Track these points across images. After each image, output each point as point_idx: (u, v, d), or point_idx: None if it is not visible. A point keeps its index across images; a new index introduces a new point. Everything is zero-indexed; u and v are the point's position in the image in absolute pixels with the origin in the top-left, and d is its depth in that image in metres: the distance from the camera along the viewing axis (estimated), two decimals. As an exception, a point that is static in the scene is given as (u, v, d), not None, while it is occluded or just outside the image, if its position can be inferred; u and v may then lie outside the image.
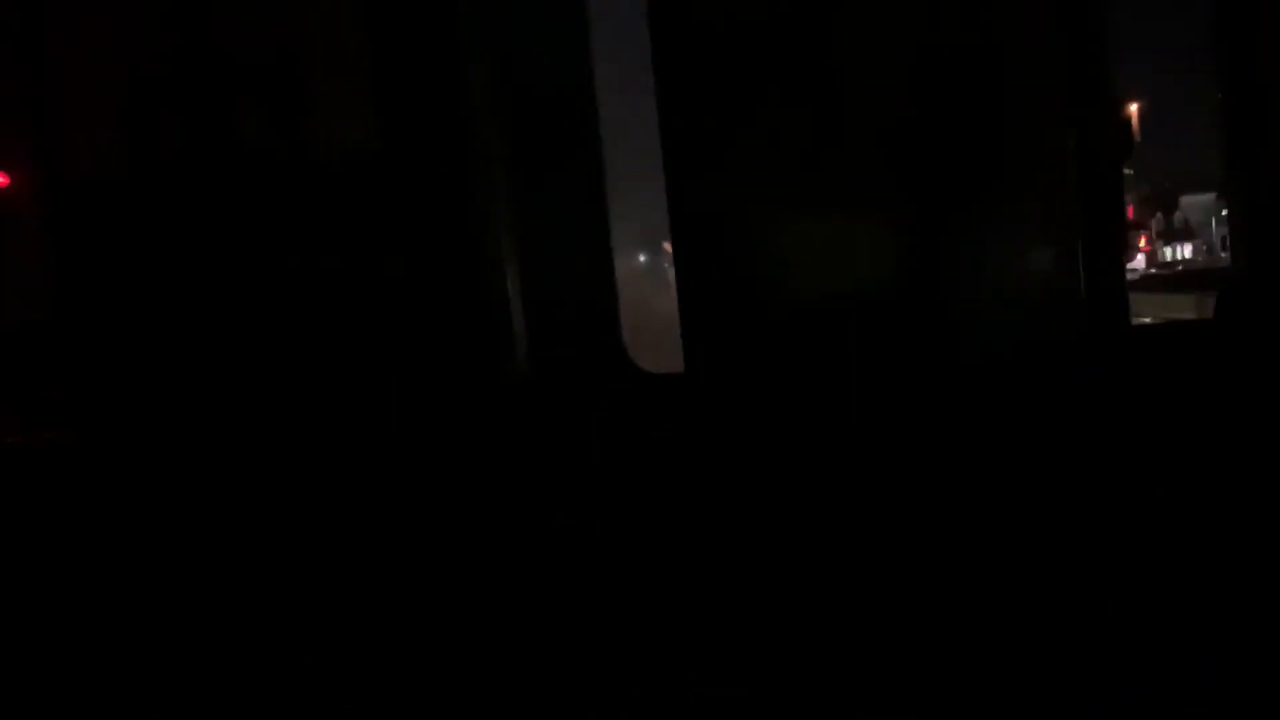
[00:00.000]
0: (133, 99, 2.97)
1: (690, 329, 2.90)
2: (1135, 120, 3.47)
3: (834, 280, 2.82)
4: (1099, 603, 2.68)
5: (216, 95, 2.96)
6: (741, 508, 2.84)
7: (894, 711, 2.69)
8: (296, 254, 2.94)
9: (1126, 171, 3.33)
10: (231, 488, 2.95)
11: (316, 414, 2.96)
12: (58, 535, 2.99)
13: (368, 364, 2.96)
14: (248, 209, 2.95)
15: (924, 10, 2.76)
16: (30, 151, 3.01)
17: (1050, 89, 2.77)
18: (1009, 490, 2.74)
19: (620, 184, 3.14)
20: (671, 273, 2.97)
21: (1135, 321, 2.96)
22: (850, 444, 2.80)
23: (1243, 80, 2.79)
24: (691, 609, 2.81)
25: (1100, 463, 2.73)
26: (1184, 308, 13.39)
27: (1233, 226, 2.95)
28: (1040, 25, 2.76)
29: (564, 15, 2.97)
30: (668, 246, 2.98)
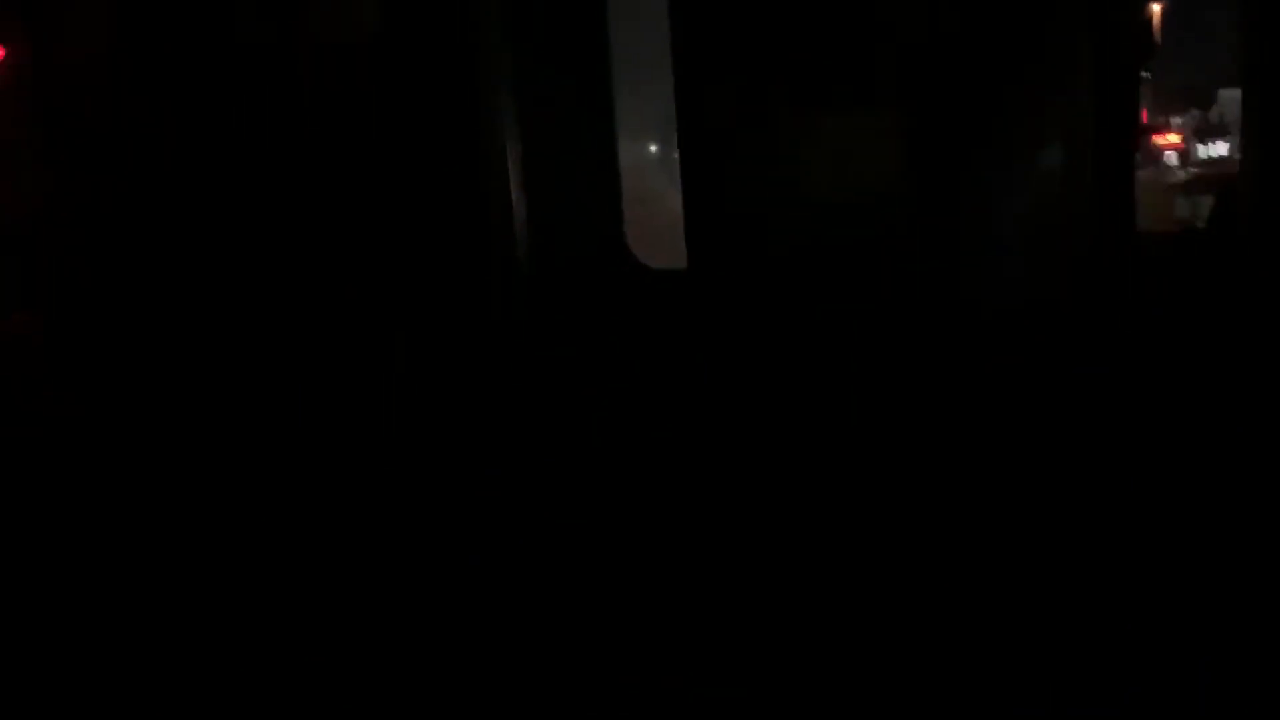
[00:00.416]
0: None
1: (694, 226, 2.91)
2: (1157, 20, 3.38)
3: (838, 185, 2.81)
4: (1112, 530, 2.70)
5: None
6: (740, 406, 2.87)
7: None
8: (293, 149, 2.92)
9: (1144, 75, 3.27)
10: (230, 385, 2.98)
11: (315, 318, 2.97)
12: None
13: (366, 263, 2.96)
14: (243, 101, 2.91)
15: None
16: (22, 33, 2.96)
17: None
18: (1018, 394, 2.75)
19: (635, 71, 3.09)
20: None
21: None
22: (851, 349, 2.82)
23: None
24: (693, 511, 2.84)
25: (1107, 374, 2.73)
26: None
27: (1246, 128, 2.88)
28: None
29: None
30: None
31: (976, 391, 2.76)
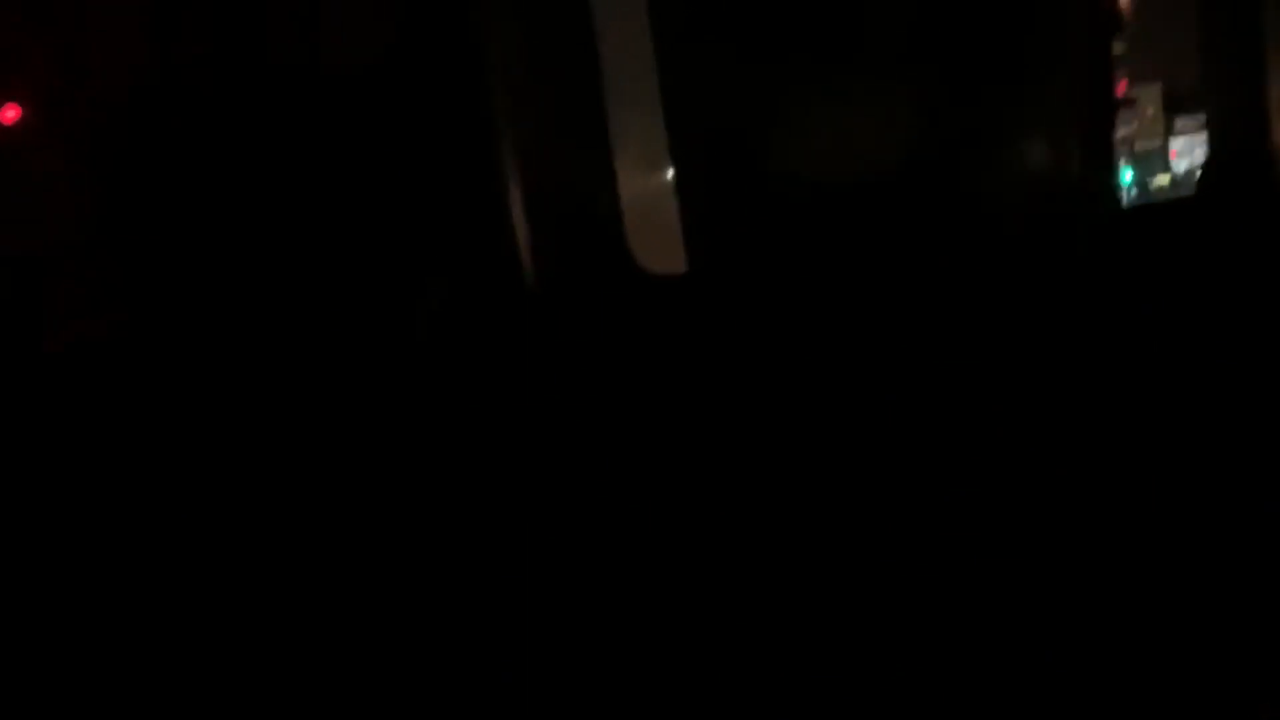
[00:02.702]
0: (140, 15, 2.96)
1: (691, 223, 2.95)
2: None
3: (828, 173, 2.86)
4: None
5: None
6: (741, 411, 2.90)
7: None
8: (304, 165, 2.96)
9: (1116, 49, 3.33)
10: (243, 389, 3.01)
11: (322, 329, 3.01)
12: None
13: (376, 273, 3.00)
14: (257, 123, 2.95)
15: None
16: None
17: None
18: (1006, 374, 2.79)
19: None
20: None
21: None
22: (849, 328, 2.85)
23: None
24: (698, 511, 2.86)
25: (1091, 345, 2.78)
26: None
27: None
28: None
29: None
30: None
31: (971, 379, 2.80)
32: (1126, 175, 4.25)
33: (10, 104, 2.99)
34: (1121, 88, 3.64)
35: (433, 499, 2.91)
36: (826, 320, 2.86)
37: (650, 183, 3.13)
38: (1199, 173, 2.96)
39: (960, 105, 2.81)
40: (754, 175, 2.91)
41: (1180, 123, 3.70)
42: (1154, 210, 3.65)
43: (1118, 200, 2.97)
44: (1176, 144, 3.91)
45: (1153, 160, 4.11)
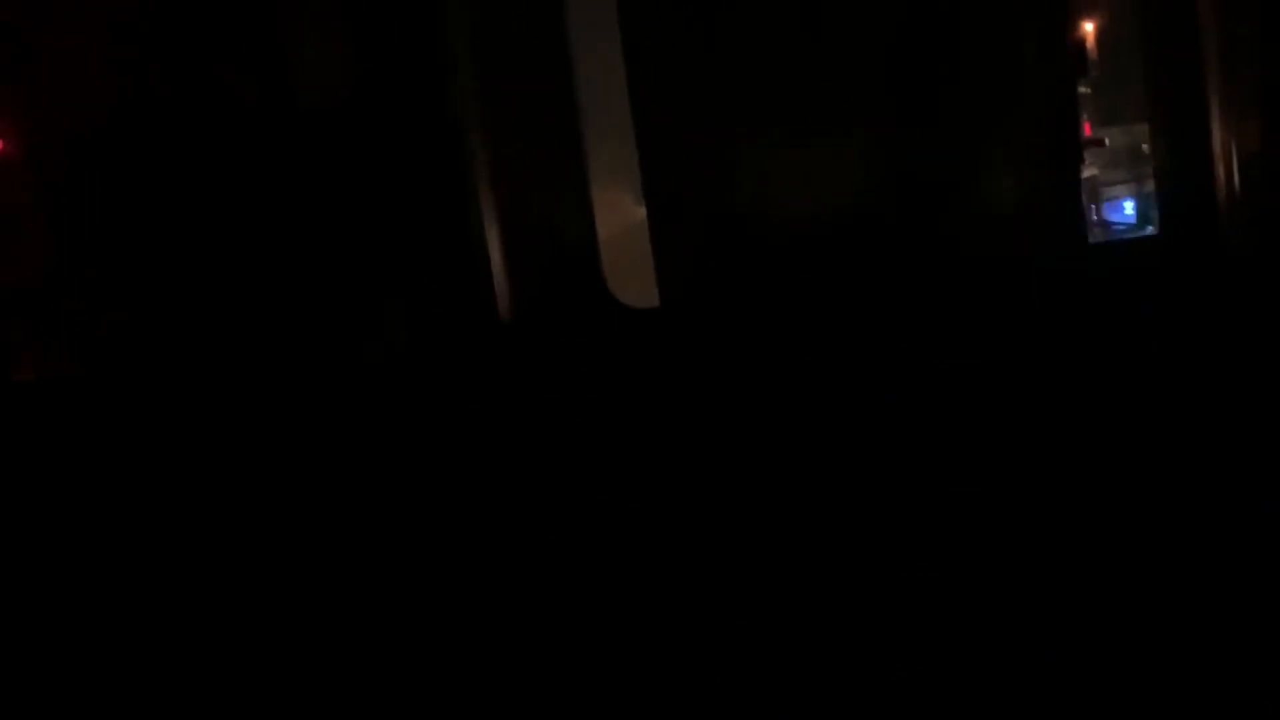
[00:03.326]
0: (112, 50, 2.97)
1: (663, 259, 2.97)
2: (1091, 37, 3.54)
3: (798, 209, 2.90)
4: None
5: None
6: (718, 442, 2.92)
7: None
8: (277, 200, 2.97)
9: (1083, 90, 3.41)
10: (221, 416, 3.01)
11: (297, 358, 3.01)
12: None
13: (347, 308, 3.01)
14: (229, 156, 2.96)
15: None
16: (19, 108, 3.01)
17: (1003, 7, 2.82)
18: (976, 408, 2.82)
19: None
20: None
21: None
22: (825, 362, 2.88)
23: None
24: (679, 543, 2.87)
25: (1058, 378, 2.81)
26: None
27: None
28: None
29: None
30: None
31: (941, 412, 2.83)
32: (1128, 208, 4.34)
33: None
34: (1086, 129, 3.71)
35: (406, 525, 2.91)
36: (799, 354, 2.88)
37: (625, 216, 3.15)
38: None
39: (929, 144, 2.86)
40: (727, 210, 2.94)
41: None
42: (1118, 247, 3.72)
43: (1084, 238, 3.01)
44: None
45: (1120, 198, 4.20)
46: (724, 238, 2.95)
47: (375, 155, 2.96)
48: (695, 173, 2.94)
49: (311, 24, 2.96)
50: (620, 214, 3.15)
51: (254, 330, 3.01)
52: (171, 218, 3.02)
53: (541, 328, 3.01)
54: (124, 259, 3.05)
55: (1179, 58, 2.79)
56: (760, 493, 2.86)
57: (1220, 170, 2.78)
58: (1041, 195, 2.89)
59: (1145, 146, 3.75)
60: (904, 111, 2.84)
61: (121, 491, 2.97)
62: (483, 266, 2.98)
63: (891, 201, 2.89)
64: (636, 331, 3.01)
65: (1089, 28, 3.48)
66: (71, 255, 3.07)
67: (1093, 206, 4.20)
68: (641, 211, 3.03)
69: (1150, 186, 3.83)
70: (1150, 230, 3.73)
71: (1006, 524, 2.75)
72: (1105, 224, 4.42)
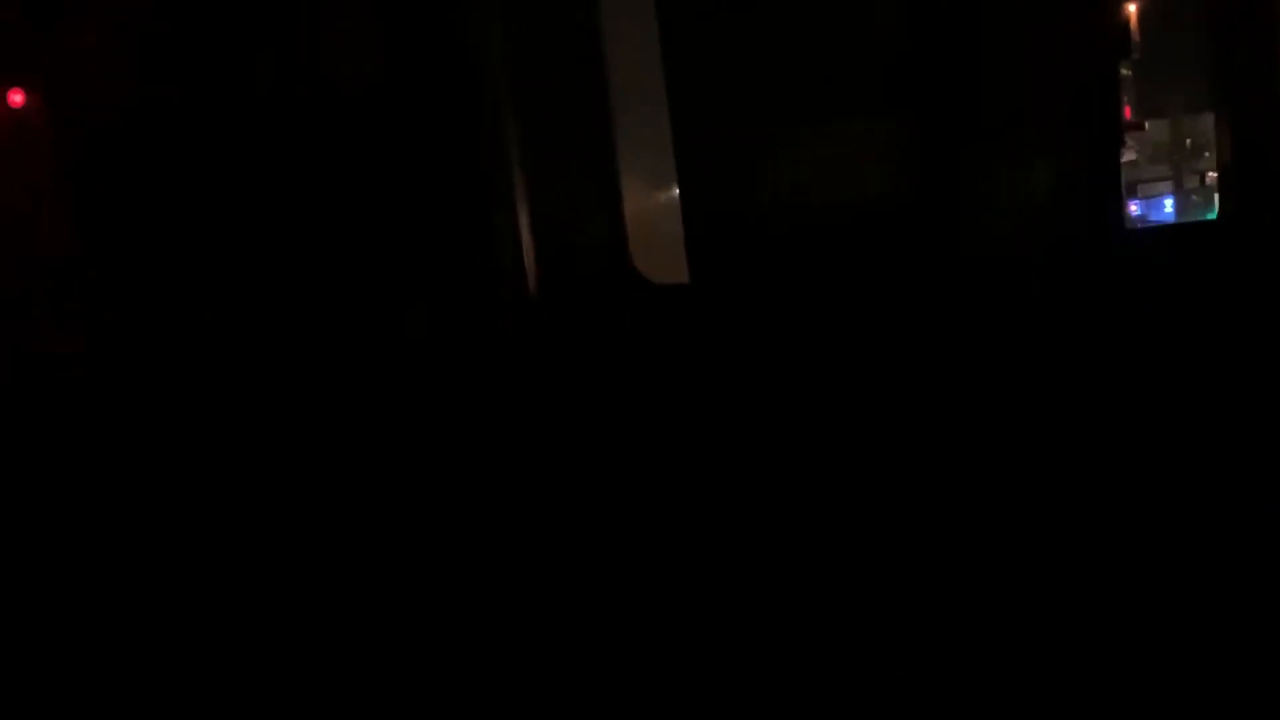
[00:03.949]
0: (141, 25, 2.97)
1: (694, 240, 2.95)
2: (1134, 19, 3.46)
3: (833, 191, 2.87)
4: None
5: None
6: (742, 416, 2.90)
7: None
8: (305, 178, 2.96)
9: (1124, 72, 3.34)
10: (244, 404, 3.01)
11: (327, 336, 3.01)
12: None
13: (378, 285, 3.00)
14: (254, 137, 2.97)
15: None
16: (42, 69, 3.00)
17: None
18: (1003, 393, 2.79)
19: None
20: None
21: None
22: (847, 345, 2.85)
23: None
24: (700, 517, 2.87)
25: (1096, 363, 2.77)
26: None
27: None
28: None
29: None
30: None
31: (968, 397, 2.80)
32: (1168, 206, 4.22)
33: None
34: (1127, 113, 3.65)
35: (433, 501, 2.91)
36: (829, 335, 2.86)
37: (654, 195, 3.14)
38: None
39: (964, 129, 2.82)
40: (763, 190, 2.91)
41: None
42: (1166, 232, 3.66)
43: (1124, 224, 2.96)
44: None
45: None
46: (755, 218, 2.93)
47: (406, 139, 2.96)
48: (726, 153, 2.91)
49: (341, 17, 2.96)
50: (648, 194, 3.13)
51: (280, 308, 3.01)
52: (205, 202, 3.02)
53: (568, 302, 3.00)
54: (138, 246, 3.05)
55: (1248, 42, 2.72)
56: (772, 476, 2.85)
57: None
58: (1082, 180, 2.83)
59: (1189, 140, 3.67)
60: (933, 96, 2.80)
61: (121, 491, 2.99)
62: (512, 242, 2.97)
63: (926, 184, 2.85)
64: (663, 308, 2.99)
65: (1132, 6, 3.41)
66: (82, 251, 3.07)
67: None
68: (668, 192, 3.02)
69: (1192, 182, 3.74)
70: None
71: (1011, 520, 2.73)
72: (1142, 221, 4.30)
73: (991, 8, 2.77)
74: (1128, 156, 3.64)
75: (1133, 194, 4.23)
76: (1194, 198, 4.11)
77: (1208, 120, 3.16)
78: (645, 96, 2.98)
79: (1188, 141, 3.97)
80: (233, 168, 2.98)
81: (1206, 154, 3.91)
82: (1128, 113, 3.62)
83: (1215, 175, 3.16)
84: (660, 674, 2.74)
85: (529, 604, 2.84)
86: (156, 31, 2.96)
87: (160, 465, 3.00)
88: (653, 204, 3.23)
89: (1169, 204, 4.24)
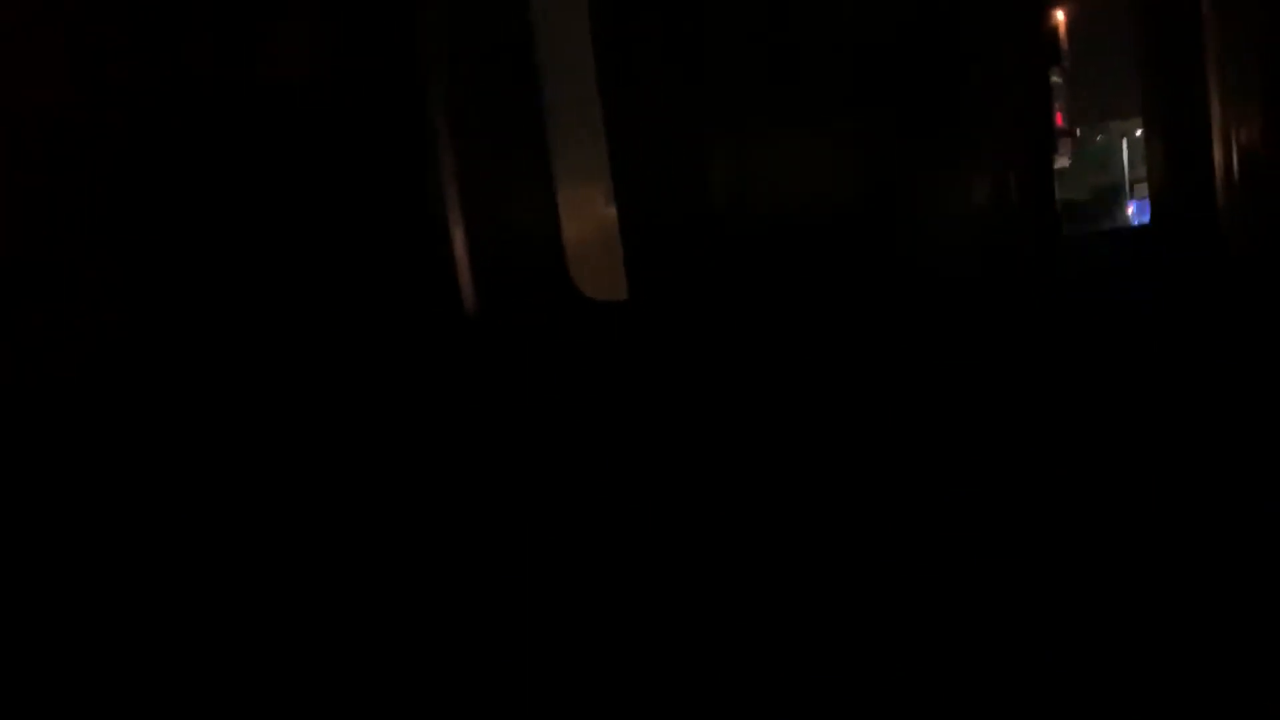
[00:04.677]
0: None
1: (633, 252, 2.93)
2: (1063, 27, 3.52)
3: (770, 197, 2.86)
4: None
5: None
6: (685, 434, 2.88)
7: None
8: (242, 183, 2.89)
9: (1055, 79, 3.39)
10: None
11: (261, 355, 2.94)
12: None
13: (312, 296, 2.95)
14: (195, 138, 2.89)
15: None
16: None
17: None
18: (947, 404, 2.79)
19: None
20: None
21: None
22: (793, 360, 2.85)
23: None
24: (646, 538, 2.83)
25: (1036, 375, 2.79)
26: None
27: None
28: None
29: None
30: None
31: (912, 409, 2.79)
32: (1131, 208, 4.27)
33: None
34: (1059, 119, 3.70)
35: (376, 524, 2.85)
36: (769, 350, 2.85)
37: (592, 209, 3.12)
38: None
39: (899, 138, 2.83)
40: (697, 204, 2.90)
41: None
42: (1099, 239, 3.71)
43: (1059, 230, 2.99)
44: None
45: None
46: (694, 232, 2.91)
47: (340, 148, 2.89)
48: (665, 166, 2.89)
49: (282, 13, 2.89)
50: (586, 208, 3.11)
51: (213, 327, 2.94)
52: (131, 211, 2.94)
53: (505, 319, 2.96)
54: (97, 255, 2.97)
55: (1177, 49, 2.76)
56: (728, 489, 2.82)
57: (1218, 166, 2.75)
58: (1015, 187, 2.86)
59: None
60: (874, 105, 2.80)
61: (119, 491, 2.91)
62: (447, 260, 2.93)
63: (862, 196, 2.85)
64: (601, 325, 2.97)
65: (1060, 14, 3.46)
66: (43, 251, 2.98)
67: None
68: (607, 207, 3.00)
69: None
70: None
71: (1005, 523, 2.73)
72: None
73: (933, 15, 2.79)
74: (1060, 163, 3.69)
75: (1133, 194, 4.33)
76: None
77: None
78: (584, 108, 2.96)
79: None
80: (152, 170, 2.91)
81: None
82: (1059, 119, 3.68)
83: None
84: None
85: (479, 614, 2.80)
86: (84, 23, 2.88)
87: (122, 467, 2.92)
88: (595, 219, 3.21)
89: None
